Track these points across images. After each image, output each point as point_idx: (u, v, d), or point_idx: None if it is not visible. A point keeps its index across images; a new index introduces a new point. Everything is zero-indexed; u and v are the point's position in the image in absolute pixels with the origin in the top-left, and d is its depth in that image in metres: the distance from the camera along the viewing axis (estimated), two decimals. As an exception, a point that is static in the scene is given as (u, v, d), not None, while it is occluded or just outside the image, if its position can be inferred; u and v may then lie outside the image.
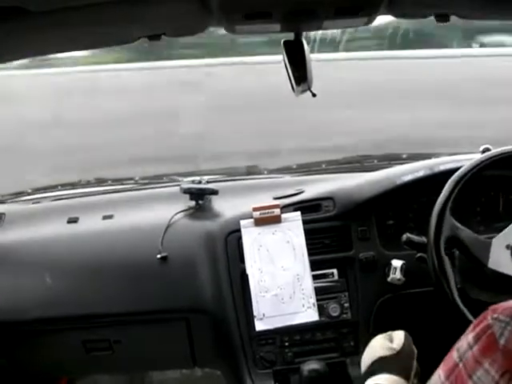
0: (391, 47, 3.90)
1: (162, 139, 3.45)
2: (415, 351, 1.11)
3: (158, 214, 1.65)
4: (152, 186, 1.91)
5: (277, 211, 1.54)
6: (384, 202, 1.57)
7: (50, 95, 3.71)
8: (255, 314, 1.48)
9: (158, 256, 1.55)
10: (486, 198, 1.60)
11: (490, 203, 1.60)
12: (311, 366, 1.41)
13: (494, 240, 1.29)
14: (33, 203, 1.85)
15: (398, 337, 1.12)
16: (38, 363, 1.73)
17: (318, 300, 1.50)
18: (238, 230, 1.54)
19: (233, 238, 1.55)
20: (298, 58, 1.10)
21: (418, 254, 1.41)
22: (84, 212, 1.73)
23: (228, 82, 3.83)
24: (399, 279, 1.48)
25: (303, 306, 1.49)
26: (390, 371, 1.04)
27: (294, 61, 1.10)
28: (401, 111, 3.57)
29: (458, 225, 1.31)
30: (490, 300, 1.07)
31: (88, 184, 1.98)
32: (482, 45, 4.03)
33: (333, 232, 1.56)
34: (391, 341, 1.12)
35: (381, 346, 1.11)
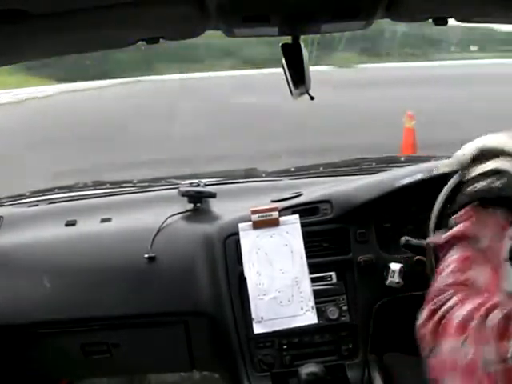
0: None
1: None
2: None
3: (157, 217, 1.65)
4: (150, 188, 1.90)
5: (275, 214, 1.54)
6: (382, 204, 1.56)
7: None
8: (253, 316, 1.48)
9: (146, 256, 1.55)
10: None
11: None
12: (309, 369, 1.41)
13: None
14: (31, 206, 1.84)
15: None
16: (37, 366, 1.73)
17: (316, 303, 1.50)
18: (237, 233, 1.54)
19: (231, 240, 1.55)
20: (296, 61, 1.10)
21: (417, 257, 1.40)
22: (82, 215, 1.73)
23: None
24: (398, 282, 1.48)
25: (302, 308, 1.49)
26: None
27: (292, 64, 1.10)
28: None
29: None
30: None
31: (85, 187, 1.97)
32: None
33: (331, 235, 1.56)
34: None
35: None
